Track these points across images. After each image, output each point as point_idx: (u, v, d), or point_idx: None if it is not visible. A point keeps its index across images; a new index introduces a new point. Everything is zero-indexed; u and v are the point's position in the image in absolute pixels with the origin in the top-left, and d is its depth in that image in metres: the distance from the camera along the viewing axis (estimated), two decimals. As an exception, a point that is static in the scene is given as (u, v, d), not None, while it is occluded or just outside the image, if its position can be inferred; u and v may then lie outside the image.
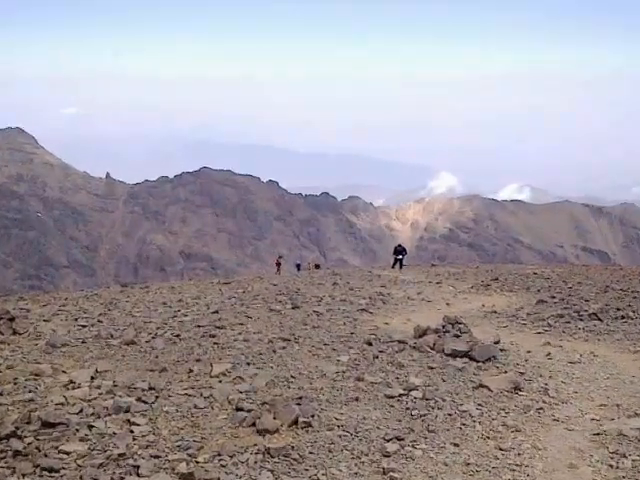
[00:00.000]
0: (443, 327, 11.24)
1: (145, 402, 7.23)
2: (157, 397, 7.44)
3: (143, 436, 6.32)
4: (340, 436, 6.56)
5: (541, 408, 7.71)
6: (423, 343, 10.39)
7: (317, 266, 57.31)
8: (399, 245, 35.93)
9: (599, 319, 13.98)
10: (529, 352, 10.76)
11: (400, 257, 34.67)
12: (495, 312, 15.55)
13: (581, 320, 13.95)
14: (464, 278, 26.45)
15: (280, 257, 55.81)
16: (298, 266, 58.24)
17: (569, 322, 13.73)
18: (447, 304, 17.37)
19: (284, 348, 10.12)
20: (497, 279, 25.09)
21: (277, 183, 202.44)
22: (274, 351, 9.88)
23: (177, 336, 10.98)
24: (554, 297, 18.04)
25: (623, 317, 14.24)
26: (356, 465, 5.99)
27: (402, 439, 6.57)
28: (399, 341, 10.74)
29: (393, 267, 34.50)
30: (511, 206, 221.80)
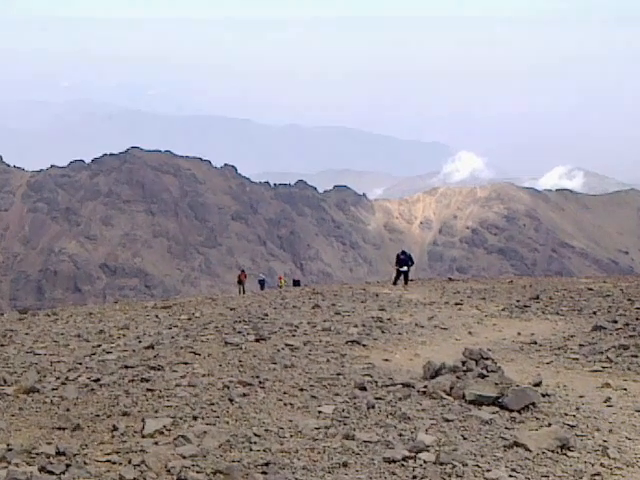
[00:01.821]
0: (463, 364, 11.25)
1: (52, 473, 7.16)
2: (68, 465, 7.38)
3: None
4: (322, 517, 6.55)
5: (598, 474, 7.72)
6: (436, 387, 10.40)
7: (296, 282, 57.30)
8: (403, 252, 35.97)
9: (677, 351, 14.11)
10: (582, 397, 10.79)
11: (405, 269, 34.73)
12: (535, 343, 15.59)
13: (653, 352, 14.04)
14: (493, 297, 26.53)
15: (243, 271, 55.81)
16: (261, 283, 58.02)
17: (636, 356, 13.80)
18: (469, 333, 17.42)
19: (245, 396, 10.09)
20: (538, 298, 25.18)
21: (235, 168, 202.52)
22: (231, 400, 9.84)
23: (96, 381, 10.91)
24: (616, 322, 18.13)
25: None
26: None
27: (408, 520, 6.57)
28: (403, 384, 10.75)
29: (395, 283, 34.55)
30: (557, 198, 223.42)
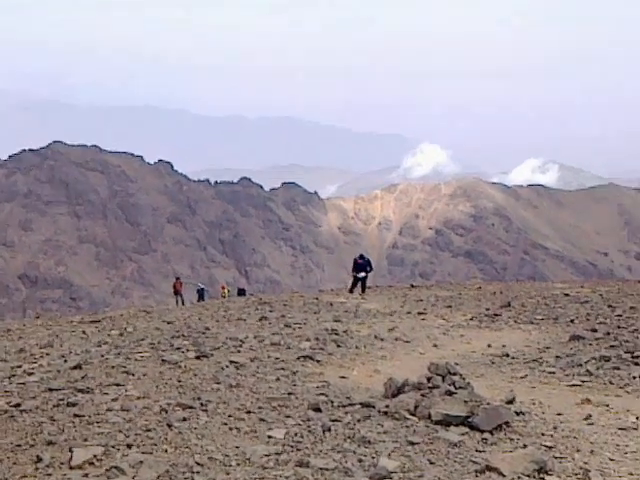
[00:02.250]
0: (429, 381, 11.29)
1: (-33, 512, 7.09)
2: (-15, 503, 7.31)
3: None
4: None
5: (579, 500, 7.82)
6: (399, 406, 10.43)
7: (240, 292, 57.19)
8: (361, 257, 36.12)
9: (664, 363, 14.30)
10: (560, 415, 10.90)
11: (363, 275, 34.87)
12: (507, 355, 15.74)
13: (637, 364, 14.21)
14: (460, 305, 26.74)
15: (178, 279, 55.53)
16: (200, 293, 57.69)
17: (618, 368, 13.98)
18: (434, 345, 17.53)
19: (185, 420, 10.03)
20: (509, 305, 25.44)
21: (171, 165, 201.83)
22: (169, 425, 9.78)
23: (16, 406, 10.78)
24: (596, 331, 18.37)
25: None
26: None
27: None
28: (362, 404, 10.76)
29: (352, 290, 34.68)
30: (529, 194, 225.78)
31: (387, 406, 10.57)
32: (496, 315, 22.95)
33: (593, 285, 35.63)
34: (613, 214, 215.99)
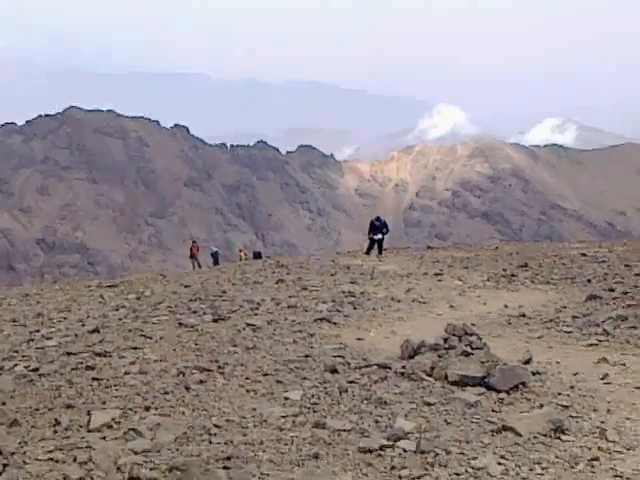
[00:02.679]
0: (445, 341, 11.29)
1: (-14, 474, 7.12)
2: (5, 465, 7.33)
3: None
4: (291, 515, 6.56)
5: (596, 458, 7.77)
6: (415, 367, 10.42)
7: (257, 255, 57.19)
8: (377, 219, 36.05)
9: (680, 320, 14.24)
10: (576, 374, 10.86)
11: (379, 237, 34.83)
12: (524, 316, 15.70)
13: (654, 323, 14.17)
14: (476, 266, 26.68)
15: (194, 243, 55.57)
16: (214, 256, 57.57)
17: (635, 327, 13.93)
18: (451, 306, 17.51)
19: (202, 383, 10.06)
20: (526, 266, 25.36)
21: (187, 129, 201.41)
22: (187, 388, 9.81)
23: (35, 370, 10.83)
24: (612, 290, 18.30)
25: None
26: None
27: (387, 516, 6.58)
28: (379, 365, 10.76)
29: (368, 252, 34.64)
30: (547, 154, 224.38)
31: (404, 367, 10.57)
32: (513, 276, 22.89)
33: (610, 245, 35.52)
34: (632, 174, 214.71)
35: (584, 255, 28.95)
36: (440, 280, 22.88)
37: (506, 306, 17.11)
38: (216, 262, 54.66)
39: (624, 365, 11.40)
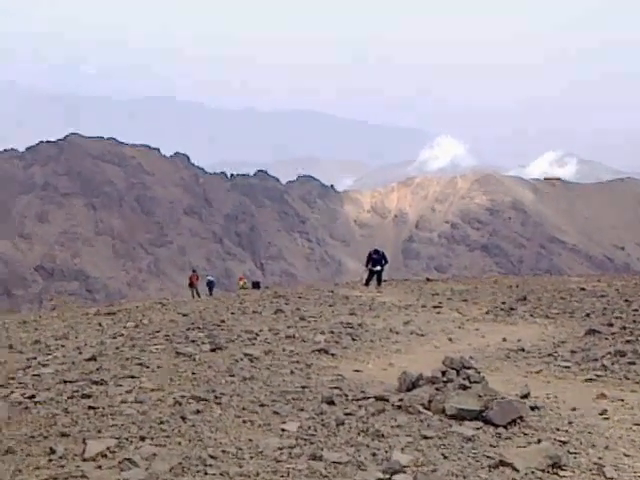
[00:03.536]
0: (443, 374, 11.27)
1: (-20, 503, 7.10)
2: (-1, 494, 7.32)
3: None
4: None
5: (593, 495, 7.78)
6: (413, 400, 10.40)
7: (255, 284, 57.25)
8: (376, 251, 36.08)
9: (679, 357, 14.22)
10: (574, 410, 10.84)
11: (378, 269, 34.85)
12: (523, 350, 15.68)
13: (652, 359, 14.15)
14: (475, 299, 26.68)
15: (194, 272, 55.67)
16: (210, 285, 57.58)
17: (634, 363, 13.92)
18: (449, 339, 17.49)
19: (199, 413, 10.04)
20: (525, 299, 25.37)
21: (187, 157, 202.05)
22: (183, 418, 9.79)
23: (30, 398, 10.81)
24: (612, 325, 18.30)
25: None
26: None
27: None
28: (376, 397, 10.74)
29: (367, 284, 34.63)
30: (547, 188, 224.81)
31: (401, 400, 10.55)
32: (512, 309, 22.89)
33: (609, 279, 35.54)
34: (630, 208, 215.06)
35: (583, 289, 28.98)
36: (439, 312, 22.89)
37: (505, 340, 17.09)
38: (211, 291, 54.72)
39: (622, 401, 11.38)
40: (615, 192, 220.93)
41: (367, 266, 35.19)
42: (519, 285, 32.75)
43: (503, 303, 24.46)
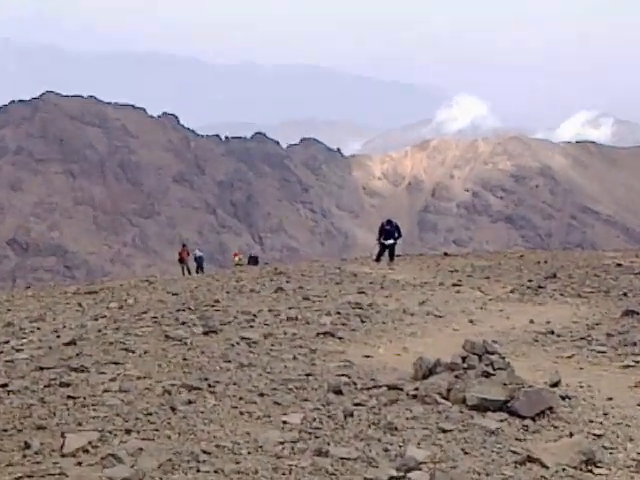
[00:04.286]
0: (464, 360, 11.25)
1: (-53, 504, 7.11)
2: (-32, 494, 7.33)
3: None
4: None
5: (631, 495, 7.76)
6: (430, 389, 10.40)
7: (253, 260, 57.20)
8: (388, 222, 36.00)
9: None
10: (610, 400, 10.83)
11: (391, 242, 34.79)
12: (552, 333, 15.67)
13: (698, 343, 14.14)
14: (499, 276, 26.67)
15: (184, 246, 55.65)
16: (199, 261, 57.18)
17: (678, 347, 13.92)
18: (470, 321, 17.48)
19: (190, 403, 10.04)
20: (555, 276, 25.35)
21: (176, 118, 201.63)
22: (173, 409, 9.79)
23: (3, 386, 10.81)
24: (652, 305, 18.27)
25: None
26: None
27: None
28: (389, 386, 10.74)
29: (378, 259, 34.62)
30: (579, 151, 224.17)
31: (416, 389, 10.54)
32: (540, 287, 22.86)
33: (650, 254, 35.48)
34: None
35: (619, 265, 28.92)
36: (458, 291, 22.86)
37: (532, 321, 17.07)
38: (200, 267, 54.62)
39: (665, 390, 11.37)
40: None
41: (379, 240, 35.11)
42: (548, 261, 32.71)
43: (530, 281, 24.43)
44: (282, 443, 8.60)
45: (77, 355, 12.80)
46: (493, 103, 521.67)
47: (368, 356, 13.51)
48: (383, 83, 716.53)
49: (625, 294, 21.03)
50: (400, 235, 35.67)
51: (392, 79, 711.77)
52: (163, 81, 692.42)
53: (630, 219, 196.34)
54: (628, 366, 12.86)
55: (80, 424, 9.18)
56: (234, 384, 11.01)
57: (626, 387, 11.52)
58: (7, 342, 14.34)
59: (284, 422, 9.35)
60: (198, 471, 7.76)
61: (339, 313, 17.70)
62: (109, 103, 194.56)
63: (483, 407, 9.81)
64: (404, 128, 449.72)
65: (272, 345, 13.97)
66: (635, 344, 14.18)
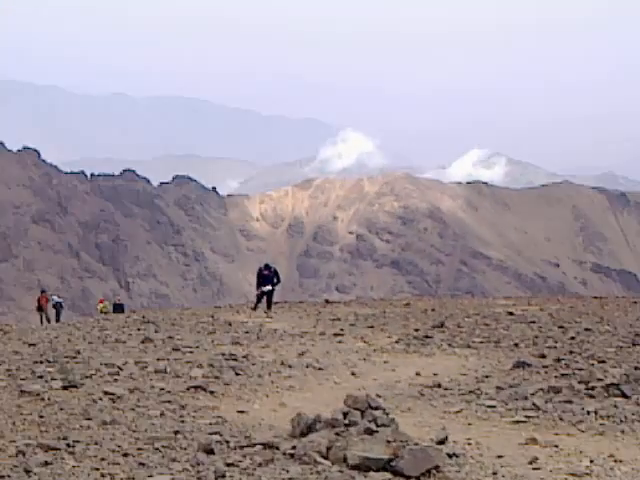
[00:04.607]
0: (345, 416, 11.28)
1: None
2: None
3: None
4: None
5: None
6: (308, 447, 10.38)
7: (118, 307, 56.65)
8: (266, 267, 36.01)
9: (624, 395, 14.46)
10: (500, 457, 10.93)
11: (268, 288, 34.78)
12: (439, 386, 15.81)
13: (592, 397, 14.37)
14: (384, 325, 26.88)
15: (43, 293, 54.91)
16: (57, 308, 56.33)
17: (570, 401, 14.13)
18: (353, 374, 17.55)
19: (47, 465, 9.88)
20: (443, 325, 25.63)
21: (38, 153, 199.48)
22: (28, 471, 9.62)
23: None
24: (544, 357, 18.59)
25: (664, 390, 14.78)
26: None
27: None
28: (264, 444, 10.71)
29: (255, 307, 34.63)
30: (470, 193, 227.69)
31: (294, 447, 10.52)
32: (427, 337, 23.08)
33: (542, 302, 36.12)
34: (567, 218, 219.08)
35: (511, 314, 29.38)
36: (340, 342, 22.96)
37: (418, 374, 17.22)
38: (58, 316, 53.82)
39: (556, 447, 11.50)
40: (548, 199, 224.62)
41: (257, 285, 35.04)
42: (435, 309, 33.06)
43: (416, 330, 24.66)
44: (147, 508, 8.53)
45: None
46: (381, 139, 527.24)
47: (242, 412, 13.49)
48: (265, 117, 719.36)
49: (516, 344, 21.35)
50: (279, 281, 35.69)
51: (275, 113, 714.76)
52: (22, 112, 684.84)
53: (522, 264, 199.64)
54: (519, 422, 13.02)
55: None
56: (95, 444, 10.89)
57: (517, 444, 11.64)
58: None
59: (150, 485, 9.27)
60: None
61: (212, 365, 17.65)
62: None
63: (365, 467, 9.82)
64: (286, 166, 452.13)
65: (138, 400, 13.86)
66: (526, 398, 14.38)
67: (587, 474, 10.30)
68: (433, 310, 32.52)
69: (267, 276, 35.04)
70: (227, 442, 11.00)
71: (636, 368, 16.46)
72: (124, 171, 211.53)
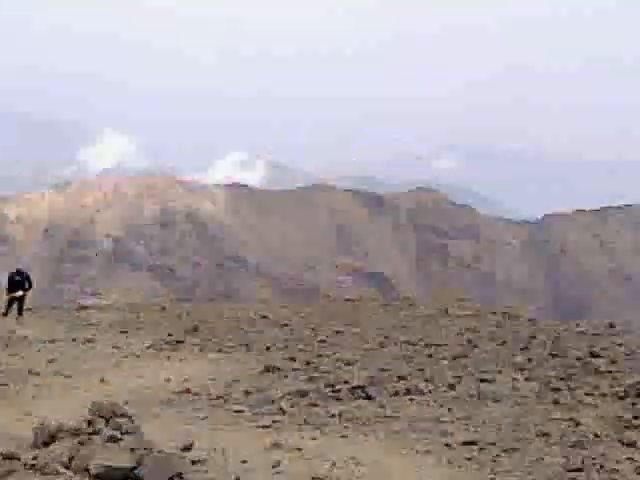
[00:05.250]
0: (89, 424, 11.14)
1: None
2: None
3: None
4: None
5: None
6: (50, 457, 10.21)
7: None
8: (18, 272, 35.14)
9: (368, 396, 14.77)
10: (244, 463, 10.98)
11: (19, 294, 33.96)
12: (189, 392, 15.80)
13: (338, 400, 14.62)
14: (138, 330, 26.70)
15: None
16: None
17: (316, 404, 14.33)
18: (101, 380, 17.33)
19: None
20: (196, 330, 25.64)
21: None
22: None
23: None
24: (294, 359, 18.81)
25: (408, 391, 15.18)
26: None
27: None
28: (4, 456, 10.43)
29: (6, 313, 33.76)
30: (229, 195, 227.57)
31: (35, 458, 10.32)
32: (179, 342, 23.06)
33: (296, 305, 36.50)
34: (324, 220, 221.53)
35: (265, 317, 29.60)
36: (92, 348, 22.67)
37: (168, 380, 17.17)
38: None
39: (300, 450, 11.63)
40: (307, 201, 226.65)
41: (9, 293, 34.17)
42: (190, 313, 33.02)
43: (170, 335, 24.59)
44: None
45: None
46: (142, 140, 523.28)
47: (-15, 423, 13.16)
48: (20, 114, 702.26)
49: (268, 348, 21.55)
50: (31, 286, 34.91)
51: (35, 116, 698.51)
52: None
53: (280, 268, 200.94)
54: (265, 426, 13.12)
55: None
56: None
57: (262, 449, 11.71)
58: None
59: None
60: None
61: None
62: None
63: (108, 476, 9.73)
64: (41, 168, 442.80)
65: None
66: (273, 402, 14.51)
67: (328, 477, 10.47)
68: (188, 314, 32.47)
69: (19, 282, 34.23)
70: (-38, 456, 10.70)
71: (382, 370, 16.85)
72: None
